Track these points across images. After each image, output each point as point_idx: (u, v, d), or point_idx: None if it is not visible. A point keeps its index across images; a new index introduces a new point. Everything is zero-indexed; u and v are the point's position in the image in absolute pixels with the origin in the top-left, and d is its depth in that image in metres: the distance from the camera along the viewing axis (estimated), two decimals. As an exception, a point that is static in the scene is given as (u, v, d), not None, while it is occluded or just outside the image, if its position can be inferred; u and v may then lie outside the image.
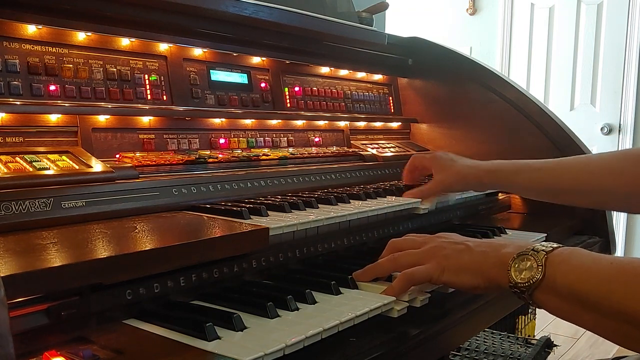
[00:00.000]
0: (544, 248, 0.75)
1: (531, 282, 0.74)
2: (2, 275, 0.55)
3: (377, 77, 1.75)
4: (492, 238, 1.28)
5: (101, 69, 1.07)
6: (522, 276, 0.75)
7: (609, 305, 0.67)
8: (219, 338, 0.65)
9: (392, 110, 1.79)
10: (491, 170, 1.19)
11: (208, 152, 1.18)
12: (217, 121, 1.25)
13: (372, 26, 1.60)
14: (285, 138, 1.39)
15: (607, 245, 1.46)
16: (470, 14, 4.71)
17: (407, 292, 0.84)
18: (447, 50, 1.73)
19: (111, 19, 1.06)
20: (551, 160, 1.15)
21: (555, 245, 0.76)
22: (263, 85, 1.38)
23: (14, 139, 0.93)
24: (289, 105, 1.44)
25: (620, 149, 4.14)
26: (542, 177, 1.13)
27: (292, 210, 0.99)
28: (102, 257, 0.67)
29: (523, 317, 1.82)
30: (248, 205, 0.97)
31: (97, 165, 0.94)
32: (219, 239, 0.80)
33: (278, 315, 0.73)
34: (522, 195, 1.23)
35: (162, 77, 1.17)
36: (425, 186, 1.24)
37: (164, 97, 1.16)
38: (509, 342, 1.69)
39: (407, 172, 1.33)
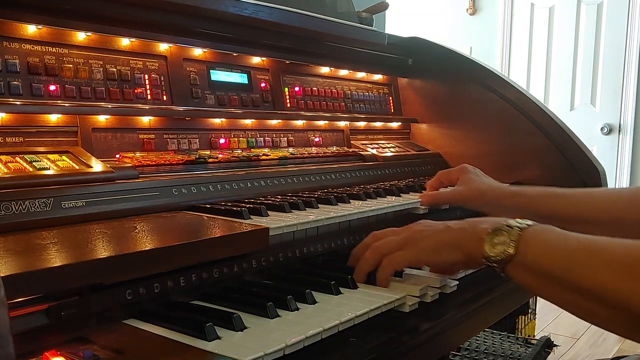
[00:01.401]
0: (518, 225, 0.77)
1: (503, 256, 0.76)
2: (2, 275, 0.55)
3: (377, 77, 1.75)
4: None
5: (101, 69, 1.07)
6: (495, 250, 0.77)
7: (569, 280, 0.70)
8: (219, 338, 0.65)
9: (392, 110, 1.79)
10: (515, 192, 1.15)
11: (208, 152, 1.18)
12: (217, 121, 1.25)
13: (372, 26, 1.60)
14: (285, 138, 1.39)
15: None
16: (470, 14, 4.71)
17: (416, 287, 0.86)
18: (447, 50, 1.73)
19: (111, 19, 1.06)
20: (576, 189, 1.12)
21: (530, 222, 0.78)
22: (263, 85, 1.38)
23: (14, 139, 0.93)
24: (289, 105, 1.44)
25: (620, 149, 4.15)
26: (566, 203, 1.09)
27: (292, 210, 0.99)
28: (102, 257, 0.67)
29: (523, 317, 1.82)
30: (248, 205, 0.97)
31: (97, 165, 0.94)
32: (219, 239, 0.80)
33: (278, 315, 0.73)
34: (542, 223, 1.19)
35: (162, 77, 1.17)
36: (442, 192, 1.23)
37: (164, 97, 1.16)
38: (509, 342, 1.69)
39: (431, 188, 1.27)
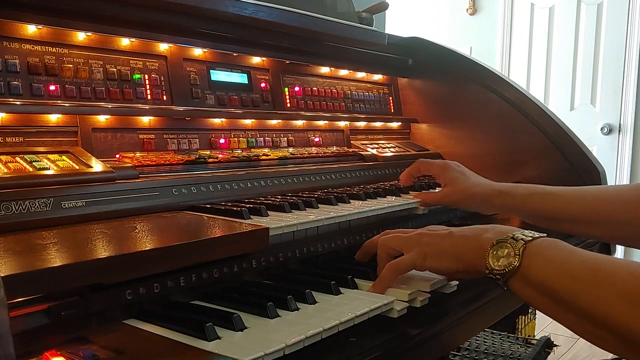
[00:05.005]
0: (524, 237, 0.75)
1: (507, 270, 0.74)
2: (2, 275, 0.55)
3: (377, 77, 1.75)
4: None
5: (101, 69, 1.07)
6: (499, 263, 0.75)
7: (575, 304, 0.67)
8: (219, 338, 0.65)
9: (392, 110, 1.79)
10: (503, 191, 1.13)
11: (208, 152, 1.18)
12: (217, 121, 1.25)
13: (372, 26, 1.60)
14: (285, 138, 1.39)
15: (607, 244, 1.46)
16: (470, 14, 4.71)
17: (407, 291, 0.84)
18: (447, 50, 1.73)
19: (111, 19, 1.06)
20: (566, 187, 1.10)
21: (536, 234, 0.76)
22: (263, 85, 1.38)
23: (14, 139, 0.92)
24: (289, 105, 1.44)
25: (620, 149, 4.15)
26: (555, 202, 1.07)
27: (292, 210, 0.99)
28: (102, 257, 0.67)
29: (523, 317, 1.82)
30: (248, 205, 0.97)
31: (97, 165, 0.94)
32: (219, 239, 0.80)
33: (278, 315, 0.73)
34: (532, 222, 1.15)
35: (162, 77, 1.17)
36: (431, 194, 1.23)
37: (164, 97, 1.16)
38: (509, 342, 1.69)
39: (408, 174, 1.27)
